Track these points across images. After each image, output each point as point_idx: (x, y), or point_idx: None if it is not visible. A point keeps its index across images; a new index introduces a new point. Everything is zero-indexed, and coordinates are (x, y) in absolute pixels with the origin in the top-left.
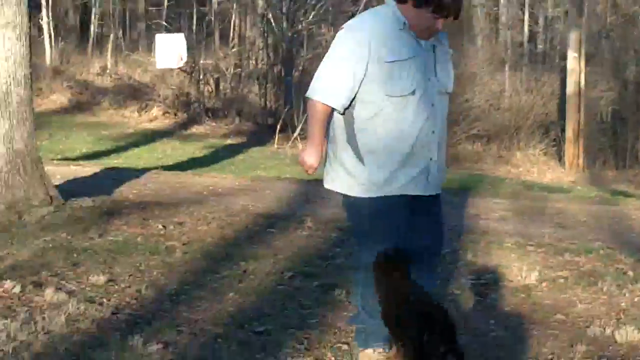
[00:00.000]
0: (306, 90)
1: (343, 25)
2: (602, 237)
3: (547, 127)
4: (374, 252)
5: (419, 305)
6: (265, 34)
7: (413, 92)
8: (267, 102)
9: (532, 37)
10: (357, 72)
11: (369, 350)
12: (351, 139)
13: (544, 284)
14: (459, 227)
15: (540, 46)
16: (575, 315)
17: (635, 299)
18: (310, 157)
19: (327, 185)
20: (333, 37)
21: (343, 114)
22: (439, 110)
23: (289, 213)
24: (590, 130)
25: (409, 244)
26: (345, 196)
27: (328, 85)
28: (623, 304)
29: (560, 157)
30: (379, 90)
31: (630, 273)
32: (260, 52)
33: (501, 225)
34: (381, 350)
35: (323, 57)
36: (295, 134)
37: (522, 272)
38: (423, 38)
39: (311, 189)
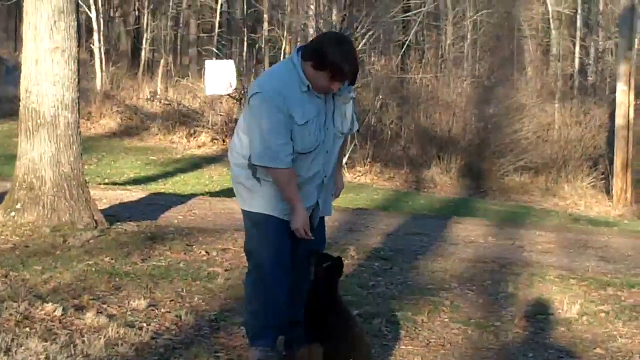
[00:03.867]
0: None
1: (257, 89)
2: None
3: (595, 160)
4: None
5: None
6: None
7: (315, 148)
8: None
9: (583, 69)
10: (289, 134)
11: (252, 348)
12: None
13: (584, 318)
14: (502, 258)
15: (590, 78)
16: (614, 350)
17: None
18: (301, 219)
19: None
20: (384, 67)
21: None
22: (333, 154)
23: (333, 241)
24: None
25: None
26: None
27: (281, 150)
28: None
29: (608, 191)
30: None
31: None
32: None
33: (545, 258)
34: (267, 348)
35: (372, 86)
36: (343, 162)
37: (563, 305)
38: (320, 93)
39: (356, 218)
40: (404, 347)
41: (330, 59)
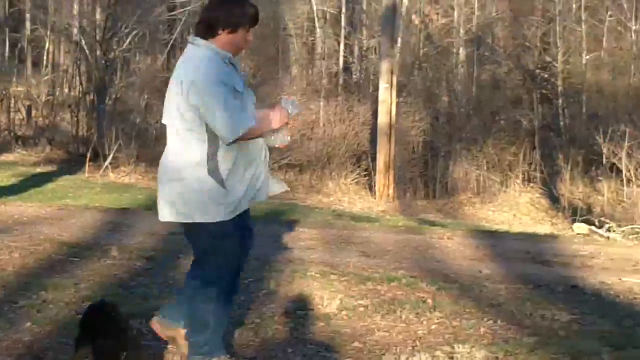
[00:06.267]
0: (118, 119)
1: (190, 78)
2: (406, 265)
3: (359, 157)
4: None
5: None
6: (79, 62)
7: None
8: (80, 131)
9: (347, 67)
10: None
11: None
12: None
13: (344, 312)
14: (263, 255)
15: (354, 76)
16: (372, 343)
17: (432, 327)
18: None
19: (192, 218)
20: (149, 66)
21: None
22: None
23: (94, 242)
24: (402, 160)
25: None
26: (203, 224)
27: (241, 112)
28: (420, 332)
29: (371, 187)
30: None
31: (430, 301)
32: (74, 79)
33: (307, 254)
34: (226, 357)
35: (137, 86)
36: (106, 163)
37: (323, 301)
38: (238, 53)
39: (119, 217)
40: (163, 345)
41: (243, 13)
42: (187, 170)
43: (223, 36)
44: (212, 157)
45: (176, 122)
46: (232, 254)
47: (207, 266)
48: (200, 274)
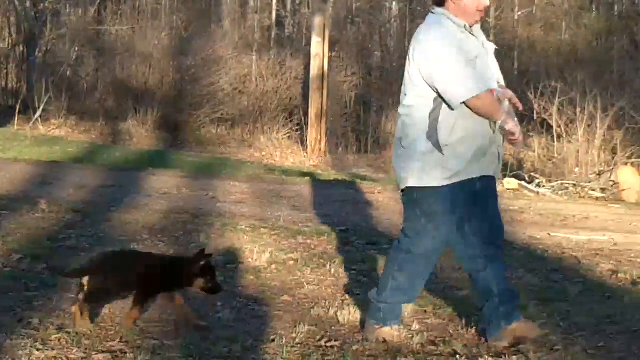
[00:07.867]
0: (50, 71)
1: (425, 38)
2: (337, 220)
3: (291, 111)
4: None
5: None
6: (8, 13)
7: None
8: (9, 83)
9: (280, 21)
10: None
11: (387, 328)
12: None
13: (273, 266)
14: (195, 209)
15: (287, 30)
16: (301, 297)
17: (361, 280)
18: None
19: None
20: (80, 18)
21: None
22: None
23: (23, 195)
24: (334, 115)
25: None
26: (418, 188)
27: (474, 74)
28: (349, 285)
29: (303, 142)
30: None
31: (358, 255)
32: (3, 31)
33: (237, 208)
34: (397, 327)
35: (67, 38)
36: (37, 116)
37: (253, 254)
38: (476, 21)
39: (49, 171)
40: None
41: None
42: (410, 136)
43: (450, 4)
44: (433, 122)
45: (407, 88)
46: (442, 226)
47: (413, 233)
48: (402, 240)
